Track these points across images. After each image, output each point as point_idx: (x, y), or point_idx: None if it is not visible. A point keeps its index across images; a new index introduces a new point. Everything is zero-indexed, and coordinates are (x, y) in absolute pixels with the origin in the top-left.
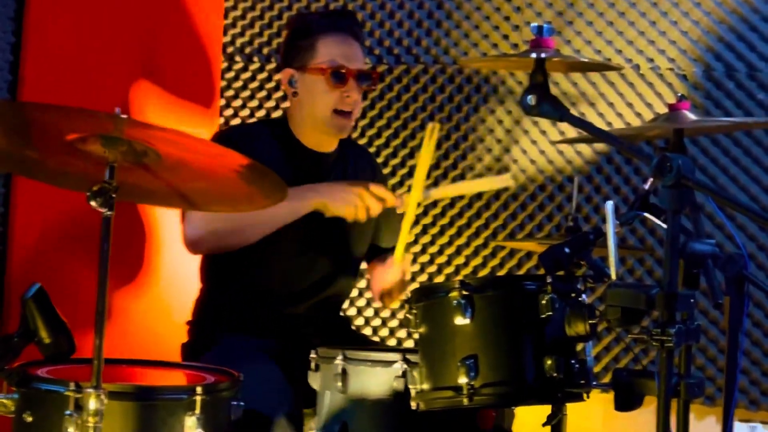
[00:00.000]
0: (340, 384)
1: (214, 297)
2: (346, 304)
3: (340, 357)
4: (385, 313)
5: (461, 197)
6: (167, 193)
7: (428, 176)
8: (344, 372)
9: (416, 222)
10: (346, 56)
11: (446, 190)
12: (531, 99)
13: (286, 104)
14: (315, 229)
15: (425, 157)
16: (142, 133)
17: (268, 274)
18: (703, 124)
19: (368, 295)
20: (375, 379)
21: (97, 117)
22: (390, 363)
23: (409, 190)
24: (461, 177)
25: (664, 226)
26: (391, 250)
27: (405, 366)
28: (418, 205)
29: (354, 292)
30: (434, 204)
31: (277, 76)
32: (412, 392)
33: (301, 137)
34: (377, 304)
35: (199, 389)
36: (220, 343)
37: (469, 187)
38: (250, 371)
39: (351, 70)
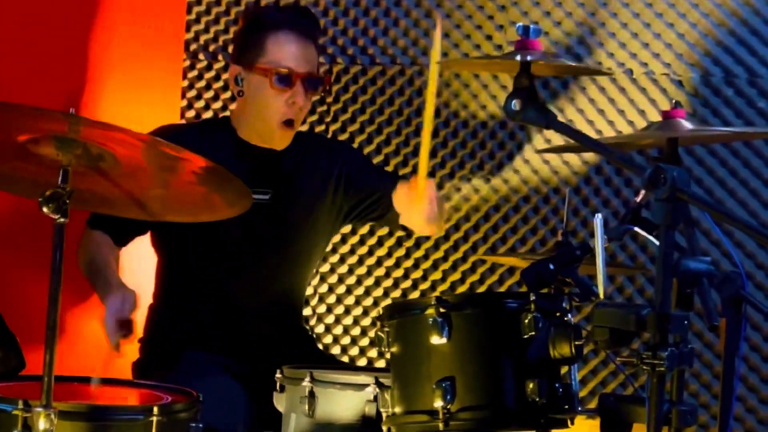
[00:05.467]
0: (306, 407)
1: (163, 311)
2: (313, 321)
3: (307, 378)
4: (356, 331)
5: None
6: (124, 200)
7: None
8: (312, 394)
9: (390, 233)
10: (295, 58)
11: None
12: (515, 104)
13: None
14: (262, 227)
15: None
16: (98, 134)
17: (215, 278)
18: (699, 133)
19: (337, 311)
20: (345, 403)
21: (51, 116)
22: (362, 386)
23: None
24: (439, 187)
25: (657, 242)
26: (391, 184)
27: (377, 390)
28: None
29: (321, 308)
30: None
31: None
32: (384, 416)
33: (247, 137)
34: (336, 329)
35: (155, 410)
36: (172, 359)
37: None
38: (205, 387)
39: (298, 74)
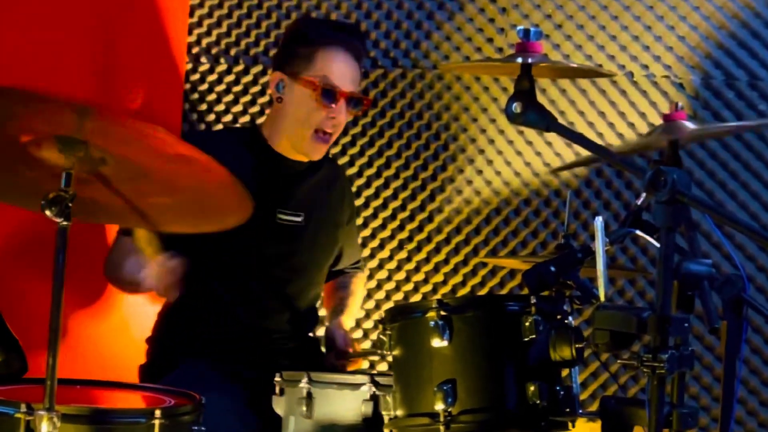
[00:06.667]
0: (305, 408)
1: (176, 316)
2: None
3: (305, 380)
4: (357, 334)
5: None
6: (125, 210)
7: (406, 187)
8: (309, 396)
9: (392, 236)
10: (342, 76)
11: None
12: (516, 107)
13: (254, 108)
14: (279, 242)
15: None
16: (106, 127)
17: (232, 288)
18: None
19: None
20: (342, 403)
21: (59, 108)
22: (357, 386)
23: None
24: (441, 189)
25: (657, 244)
26: (344, 270)
27: (374, 389)
28: None
29: (322, 312)
30: (411, 218)
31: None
32: (386, 418)
33: (275, 144)
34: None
35: (158, 412)
36: (180, 366)
37: None
38: (211, 397)
39: (343, 92)
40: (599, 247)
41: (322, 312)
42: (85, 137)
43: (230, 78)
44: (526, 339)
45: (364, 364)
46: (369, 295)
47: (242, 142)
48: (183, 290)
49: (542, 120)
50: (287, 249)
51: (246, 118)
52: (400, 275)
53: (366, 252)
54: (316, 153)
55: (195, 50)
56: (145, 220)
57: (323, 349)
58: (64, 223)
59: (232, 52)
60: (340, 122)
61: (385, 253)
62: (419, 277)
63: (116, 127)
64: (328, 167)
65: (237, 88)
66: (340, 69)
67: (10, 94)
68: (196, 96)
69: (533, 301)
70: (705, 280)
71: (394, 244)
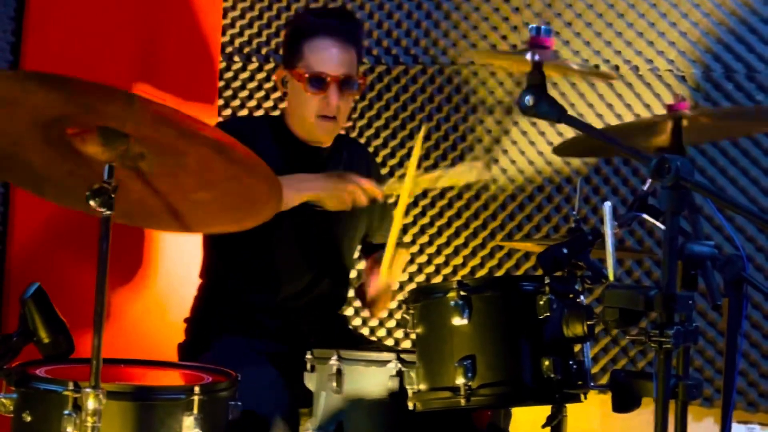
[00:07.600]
0: (335, 384)
1: (213, 293)
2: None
3: (334, 357)
4: (383, 313)
5: (450, 188)
6: (161, 209)
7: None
8: (339, 372)
9: (414, 222)
10: (329, 62)
11: (428, 181)
12: (529, 100)
13: (284, 104)
14: (309, 222)
15: (416, 155)
16: (146, 115)
17: (265, 268)
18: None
19: None
20: (370, 379)
21: (106, 93)
22: (384, 363)
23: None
24: None
25: (663, 227)
26: (383, 246)
27: (399, 365)
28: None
29: (350, 293)
30: (432, 204)
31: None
32: (409, 392)
33: (297, 132)
34: (365, 312)
35: (197, 389)
36: (217, 343)
37: (449, 179)
38: (247, 373)
39: (333, 77)
40: (608, 230)
41: (350, 293)
42: (125, 128)
43: (261, 75)
44: (540, 317)
45: (392, 304)
46: None
47: (273, 130)
48: (220, 273)
49: (553, 112)
50: (318, 233)
51: (276, 113)
52: (422, 258)
53: None
54: (325, 136)
55: (228, 50)
56: (180, 222)
57: (351, 326)
58: (108, 212)
59: (263, 51)
60: (338, 106)
61: (407, 238)
62: (440, 259)
63: (155, 114)
64: (350, 148)
65: (268, 85)
66: (326, 55)
67: (61, 82)
68: (229, 92)
69: (547, 281)
70: (707, 260)
71: (416, 229)
